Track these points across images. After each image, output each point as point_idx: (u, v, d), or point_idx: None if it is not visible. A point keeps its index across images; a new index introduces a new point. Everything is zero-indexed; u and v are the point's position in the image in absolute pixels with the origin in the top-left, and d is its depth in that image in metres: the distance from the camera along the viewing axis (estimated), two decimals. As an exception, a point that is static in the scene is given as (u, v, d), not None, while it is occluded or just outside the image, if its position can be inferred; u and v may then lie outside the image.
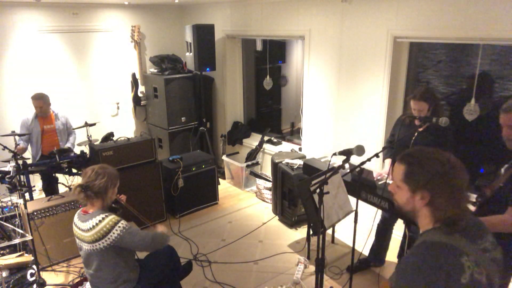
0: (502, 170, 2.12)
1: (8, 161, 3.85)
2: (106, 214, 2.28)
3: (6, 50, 4.84)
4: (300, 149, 4.98)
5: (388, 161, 3.33)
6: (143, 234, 2.37)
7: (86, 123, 4.44)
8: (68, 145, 4.51)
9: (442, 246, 1.22)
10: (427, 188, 1.27)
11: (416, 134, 3.00)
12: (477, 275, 1.20)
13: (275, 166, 4.37)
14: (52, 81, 5.17)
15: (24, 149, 4.29)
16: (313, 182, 2.70)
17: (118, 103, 5.92)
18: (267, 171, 5.32)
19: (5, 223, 3.29)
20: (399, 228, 3.49)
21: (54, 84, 5.19)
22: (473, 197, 2.36)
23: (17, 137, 4.08)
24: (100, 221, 2.23)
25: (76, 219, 2.37)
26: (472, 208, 2.28)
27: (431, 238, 1.26)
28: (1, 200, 3.65)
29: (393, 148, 3.28)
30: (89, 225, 2.25)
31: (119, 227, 2.24)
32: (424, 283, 1.17)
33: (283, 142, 5.54)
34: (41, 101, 4.27)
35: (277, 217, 4.53)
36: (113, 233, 2.23)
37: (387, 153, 3.33)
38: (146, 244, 2.37)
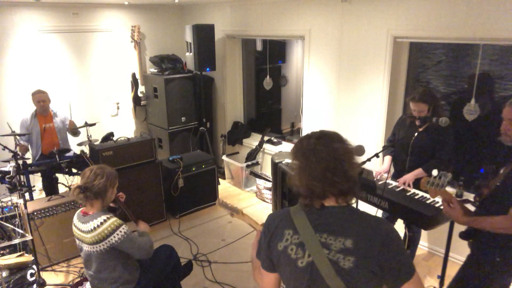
0: (502, 170, 2.12)
1: (8, 161, 3.85)
2: (108, 216, 2.27)
3: (6, 50, 4.84)
4: (300, 149, 4.97)
5: (387, 159, 3.33)
6: (141, 242, 2.36)
7: (86, 123, 4.43)
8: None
9: (284, 213, 1.41)
10: (294, 159, 1.42)
11: (416, 134, 3.01)
12: (290, 251, 1.32)
13: (275, 166, 4.37)
14: (52, 81, 5.17)
15: (26, 148, 4.29)
16: (313, 182, 2.70)
17: (118, 103, 5.92)
18: (267, 171, 5.32)
19: (5, 223, 3.29)
20: (399, 228, 3.48)
21: (54, 84, 5.19)
22: (472, 196, 2.36)
23: (17, 137, 4.08)
24: (101, 223, 2.23)
25: (75, 220, 2.37)
26: (471, 208, 2.28)
27: (293, 207, 1.41)
28: (1, 200, 3.64)
29: (393, 146, 3.29)
30: (90, 226, 2.24)
31: (121, 231, 2.24)
32: (263, 232, 1.43)
33: (283, 142, 5.54)
34: (44, 94, 4.27)
35: (277, 217, 4.52)
36: (114, 236, 2.22)
37: (387, 151, 3.34)
38: (142, 253, 2.37)
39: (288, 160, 4.27)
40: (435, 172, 2.24)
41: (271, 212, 4.68)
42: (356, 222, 1.31)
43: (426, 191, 2.34)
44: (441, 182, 2.20)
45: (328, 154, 1.28)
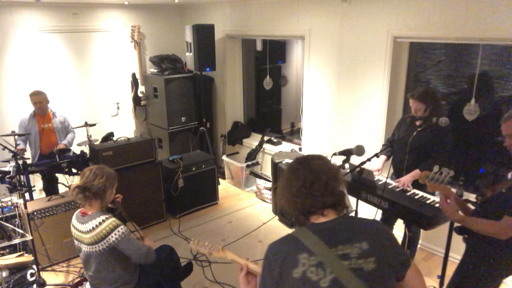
0: (509, 175, 2.11)
1: (8, 161, 3.85)
2: (106, 216, 2.27)
3: (6, 50, 4.84)
4: (300, 149, 4.98)
5: (382, 158, 3.33)
6: (140, 244, 2.35)
7: (86, 123, 4.43)
8: (64, 142, 4.46)
9: (290, 239, 1.34)
10: (288, 180, 1.44)
11: (414, 133, 3.01)
12: (310, 274, 1.25)
13: (275, 166, 4.37)
14: (52, 81, 5.17)
15: (24, 150, 4.28)
16: (313, 182, 2.70)
17: (118, 103, 5.92)
18: (267, 171, 5.32)
19: (5, 223, 3.28)
20: (399, 228, 3.49)
21: (54, 84, 5.19)
22: (472, 197, 2.36)
23: (16, 137, 4.08)
24: (100, 223, 2.23)
25: (74, 220, 2.36)
26: (471, 207, 2.28)
27: (294, 231, 1.39)
28: (1, 200, 3.64)
29: (390, 146, 3.30)
30: (88, 227, 2.24)
31: (118, 231, 2.24)
32: (266, 265, 1.33)
33: (283, 142, 5.54)
34: (40, 96, 4.26)
35: (277, 217, 4.53)
36: (112, 236, 2.22)
37: (383, 150, 3.35)
38: (140, 255, 2.33)
39: (289, 160, 4.27)
40: (435, 168, 2.24)
41: (271, 212, 4.67)
42: (360, 226, 1.36)
43: (425, 185, 2.34)
44: (442, 178, 2.20)
45: (321, 169, 1.37)
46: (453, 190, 3.57)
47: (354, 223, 1.37)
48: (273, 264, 1.31)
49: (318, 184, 1.33)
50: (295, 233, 1.36)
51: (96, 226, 2.23)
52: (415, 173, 2.96)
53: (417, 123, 3.01)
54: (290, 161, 4.28)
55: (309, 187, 1.33)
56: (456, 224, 2.24)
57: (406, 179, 2.98)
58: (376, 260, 1.28)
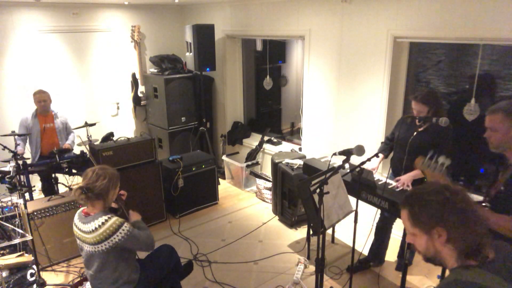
0: (499, 175, 2.11)
1: (8, 161, 3.85)
2: (109, 216, 2.27)
3: (6, 50, 4.84)
4: (300, 149, 4.98)
5: (379, 156, 3.32)
6: (143, 236, 2.38)
7: (86, 123, 4.44)
8: (68, 142, 4.50)
9: (468, 285, 1.15)
10: (437, 222, 1.21)
11: (415, 133, 3.01)
12: None
13: (275, 166, 4.37)
14: (52, 81, 5.17)
15: (23, 152, 4.29)
16: (313, 182, 2.70)
17: (118, 103, 5.92)
18: (267, 171, 5.32)
19: (5, 223, 3.28)
20: (399, 228, 3.49)
21: (54, 84, 5.19)
22: (475, 197, 2.35)
23: (16, 137, 4.08)
24: (103, 223, 2.23)
25: (76, 219, 2.37)
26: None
27: (457, 277, 1.19)
28: (1, 200, 3.64)
29: (388, 145, 3.30)
30: (91, 227, 2.24)
31: (123, 230, 2.25)
32: None
33: (283, 142, 5.54)
34: (45, 95, 4.28)
35: (277, 217, 4.53)
36: (117, 235, 2.23)
37: (381, 149, 3.35)
38: (147, 246, 2.41)
39: (289, 160, 4.27)
40: (430, 153, 2.19)
41: (271, 212, 4.67)
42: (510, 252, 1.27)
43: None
44: (439, 167, 2.15)
45: (468, 202, 1.23)
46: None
47: (507, 250, 1.26)
48: None
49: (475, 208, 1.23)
50: (464, 276, 1.18)
51: (99, 226, 2.23)
52: (416, 172, 2.96)
53: (417, 122, 3.01)
54: (290, 161, 4.30)
55: (476, 211, 1.22)
56: None
57: (407, 178, 2.98)
58: None
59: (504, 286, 1.14)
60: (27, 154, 4.49)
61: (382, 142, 3.49)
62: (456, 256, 1.22)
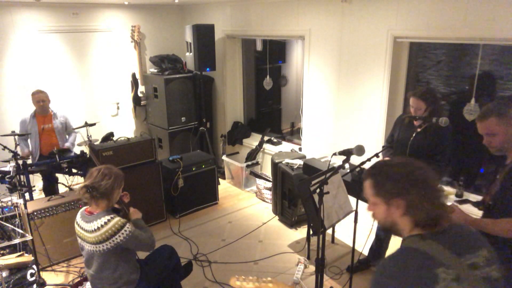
0: (498, 176, 2.11)
1: (8, 161, 3.85)
2: (112, 215, 2.28)
3: (6, 50, 4.84)
4: (300, 149, 4.98)
5: (379, 157, 3.31)
6: (145, 237, 2.39)
7: (86, 123, 4.44)
8: (67, 144, 4.49)
9: (417, 253, 1.19)
10: (398, 194, 1.26)
11: (414, 135, 3.00)
12: None
13: (275, 166, 4.37)
14: (52, 81, 5.17)
15: (29, 153, 4.30)
16: (313, 182, 2.70)
17: (118, 103, 5.92)
18: (267, 171, 5.32)
19: (5, 223, 3.29)
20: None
21: (54, 84, 5.19)
22: (474, 197, 2.35)
23: (16, 137, 4.08)
24: (105, 223, 2.23)
25: (79, 218, 2.37)
26: (478, 214, 2.25)
27: (409, 244, 1.24)
28: (1, 200, 3.65)
29: (391, 147, 3.28)
30: (94, 226, 2.25)
31: (125, 230, 2.25)
32: (391, 285, 1.17)
33: (283, 142, 5.54)
34: (43, 95, 4.28)
35: (277, 217, 4.53)
36: (119, 236, 2.23)
37: (386, 152, 3.34)
38: (148, 246, 2.42)
39: (289, 160, 4.27)
40: None
41: (271, 212, 4.67)
42: (471, 232, 1.29)
43: None
44: None
45: (429, 176, 1.27)
46: (453, 190, 3.58)
47: (465, 230, 1.28)
48: (402, 284, 1.15)
49: (436, 184, 1.28)
50: (416, 244, 1.22)
51: (102, 226, 2.23)
52: None
53: (416, 123, 3.00)
54: (290, 161, 4.30)
55: (436, 187, 1.26)
56: None
57: None
58: (498, 266, 1.22)
59: (452, 259, 1.17)
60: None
61: (383, 147, 3.44)
62: (412, 227, 1.27)
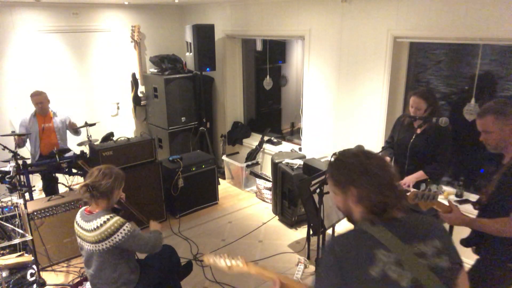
0: (495, 176, 2.11)
1: (8, 161, 3.85)
2: (111, 215, 2.28)
3: (6, 50, 4.84)
4: (300, 149, 4.98)
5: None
6: (146, 238, 2.39)
7: (86, 123, 4.44)
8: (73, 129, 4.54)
9: (363, 234, 1.25)
10: (351, 182, 1.31)
11: (414, 136, 3.00)
12: (391, 273, 1.18)
13: (275, 166, 4.37)
14: (52, 81, 5.17)
15: (24, 140, 4.27)
16: (313, 182, 2.70)
17: (118, 103, 5.92)
18: (267, 171, 5.32)
19: (5, 223, 3.29)
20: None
21: (54, 84, 5.19)
22: (474, 197, 2.35)
23: (16, 137, 4.08)
24: (105, 222, 2.24)
25: (78, 218, 2.37)
26: (473, 213, 2.26)
27: (363, 227, 1.28)
28: (1, 200, 3.65)
29: (391, 148, 3.28)
30: (93, 225, 2.25)
31: (124, 230, 2.25)
32: (331, 260, 1.24)
33: (283, 142, 5.54)
34: (41, 96, 4.28)
35: (277, 217, 4.53)
36: (118, 235, 2.23)
37: (385, 153, 3.33)
38: (148, 248, 2.41)
39: (289, 160, 4.28)
40: (422, 186, 2.22)
41: (271, 212, 4.67)
42: (425, 223, 1.33)
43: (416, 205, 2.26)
44: (432, 194, 2.17)
45: (381, 167, 1.31)
46: (453, 190, 3.58)
47: (418, 220, 1.32)
48: (342, 260, 1.22)
49: (388, 175, 1.31)
50: (365, 227, 1.27)
51: (101, 225, 2.23)
52: (420, 174, 2.95)
53: (415, 124, 2.99)
54: (290, 161, 4.30)
55: (387, 177, 1.30)
56: (461, 237, 2.21)
57: (410, 179, 2.97)
58: (449, 258, 1.26)
59: (396, 245, 1.21)
60: (27, 153, 4.49)
61: (382, 147, 3.41)
62: (364, 214, 1.31)
